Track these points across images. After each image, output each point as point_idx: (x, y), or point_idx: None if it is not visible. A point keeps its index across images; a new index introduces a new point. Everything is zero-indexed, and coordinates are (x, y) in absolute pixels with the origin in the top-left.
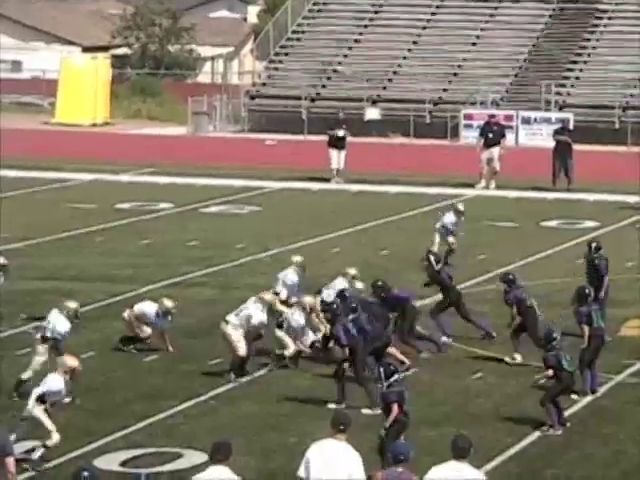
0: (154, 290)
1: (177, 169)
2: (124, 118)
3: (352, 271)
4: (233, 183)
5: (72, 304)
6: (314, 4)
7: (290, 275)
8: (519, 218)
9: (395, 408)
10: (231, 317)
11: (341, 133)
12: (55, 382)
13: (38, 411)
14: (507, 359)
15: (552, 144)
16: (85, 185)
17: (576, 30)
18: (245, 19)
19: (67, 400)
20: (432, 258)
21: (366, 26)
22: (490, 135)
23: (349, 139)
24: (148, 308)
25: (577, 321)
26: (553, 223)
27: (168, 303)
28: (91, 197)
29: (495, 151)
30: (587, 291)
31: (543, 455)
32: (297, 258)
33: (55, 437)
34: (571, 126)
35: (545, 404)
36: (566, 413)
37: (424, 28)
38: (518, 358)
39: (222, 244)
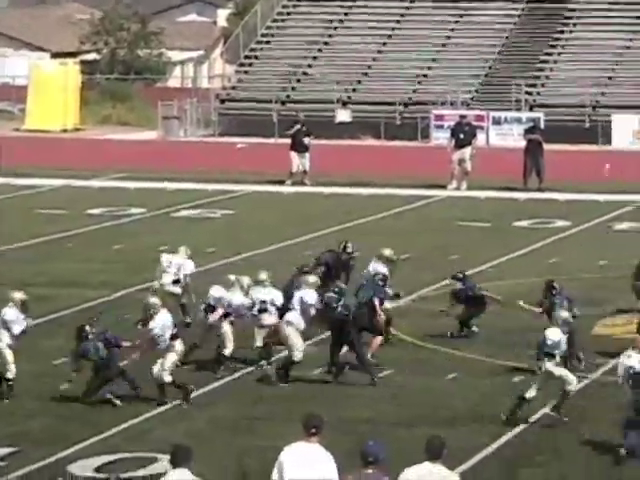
0: (127, 295)
1: (148, 174)
2: (94, 124)
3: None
4: (204, 187)
5: None
6: (283, 7)
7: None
8: (491, 218)
9: None
10: (289, 316)
11: (301, 136)
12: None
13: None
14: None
15: (523, 144)
16: (56, 191)
17: (545, 30)
18: (215, 23)
19: None
20: None
21: (335, 28)
22: (461, 136)
23: (319, 141)
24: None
25: None
26: (525, 223)
27: None
28: (62, 203)
29: (466, 152)
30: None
31: (518, 455)
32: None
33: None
34: (542, 125)
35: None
36: (541, 412)
37: (393, 29)
38: None
39: (194, 248)
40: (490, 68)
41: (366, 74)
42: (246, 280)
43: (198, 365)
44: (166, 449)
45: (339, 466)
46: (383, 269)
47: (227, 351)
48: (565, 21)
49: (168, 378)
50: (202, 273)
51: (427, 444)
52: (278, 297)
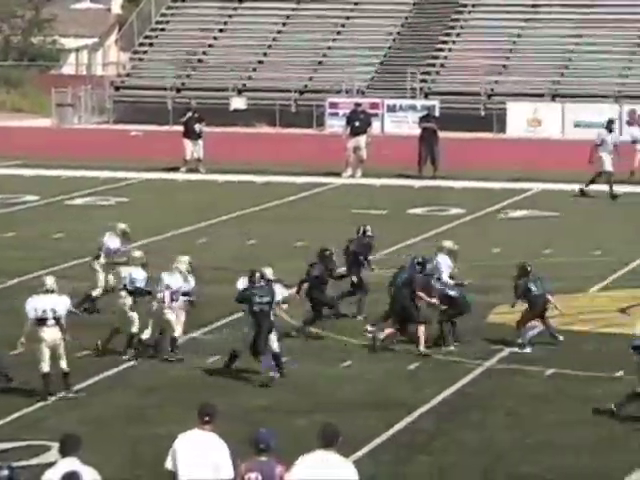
0: (23, 282)
1: (42, 161)
2: None
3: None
4: (99, 175)
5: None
6: None
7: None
8: (386, 206)
9: None
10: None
11: (193, 123)
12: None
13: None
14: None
15: (418, 131)
16: None
17: (440, 18)
18: (109, 10)
19: None
20: None
21: (230, 16)
22: (356, 123)
23: (214, 129)
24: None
25: None
26: (419, 210)
27: None
28: None
29: (362, 139)
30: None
31: (413, 442)
32: None
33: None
34: (437, 113)
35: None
36: (436, 400)
37: (289, 17)
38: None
39: (87, 236)
40: (385, 56)
41: (261, 62)
42: (183, 266)
43: (96, 351)
44: (59, 437)
45: (234, 454)
46: (448, 261)
47: (176, 333)
48: (459, 9)
49: (42, 369)
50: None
51: (321, 432)
52: (187, 285)
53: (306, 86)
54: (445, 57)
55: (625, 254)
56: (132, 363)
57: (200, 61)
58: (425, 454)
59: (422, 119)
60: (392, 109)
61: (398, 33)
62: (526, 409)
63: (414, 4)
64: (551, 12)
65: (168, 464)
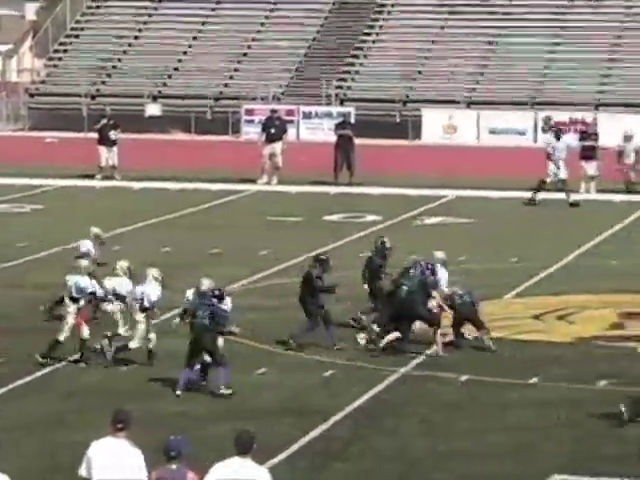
0: None
1: None
2: None
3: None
4: (14, 182)
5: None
6: (93, 0)
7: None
8: (302, 213)
9: None
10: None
11: (108, 130)
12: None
13: None
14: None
15: (334, 138)
16: None
17: (356, 24)
18: (23, 16)
19: None
20: None
21: (145, 23)
22: (272, 130)
23: (130, 135)
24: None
25: None
26: (335, 217)
27: None
28: None
29: (277, 146)
30: None
31: (329, 449)
32: None
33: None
34: (352, 120)
35: None
36: (351, 407)
37: (204, 23)
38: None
39: (3, 243)
40: (301, 63)
41: (177, 68)
42: (155, 271)
43: (9, 358)
44: None
45: (149, 461)
46: (444, 273)
47: (132, 344)
48: (375, 16)
49: None
50: (13, 267)
51: (236, 439)
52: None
53: (222, 93)
54: (360, 64)
55: (540, 261)
56: (48, 369)
57: (115, 67)
58: (340, 461)
59: (338, 126)
60: (308, 116)
61: (313, 39)
62: (440, 416)
63: (330, 10)
64: (466, 19)
65: (82, 471)
